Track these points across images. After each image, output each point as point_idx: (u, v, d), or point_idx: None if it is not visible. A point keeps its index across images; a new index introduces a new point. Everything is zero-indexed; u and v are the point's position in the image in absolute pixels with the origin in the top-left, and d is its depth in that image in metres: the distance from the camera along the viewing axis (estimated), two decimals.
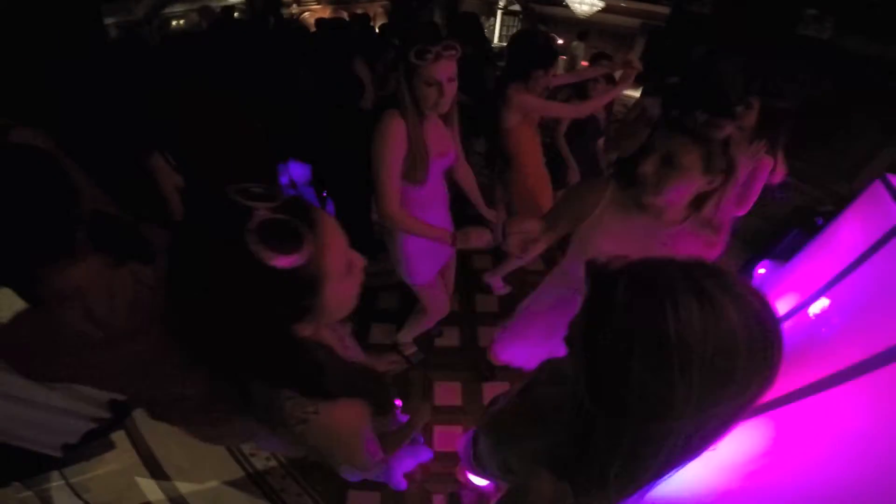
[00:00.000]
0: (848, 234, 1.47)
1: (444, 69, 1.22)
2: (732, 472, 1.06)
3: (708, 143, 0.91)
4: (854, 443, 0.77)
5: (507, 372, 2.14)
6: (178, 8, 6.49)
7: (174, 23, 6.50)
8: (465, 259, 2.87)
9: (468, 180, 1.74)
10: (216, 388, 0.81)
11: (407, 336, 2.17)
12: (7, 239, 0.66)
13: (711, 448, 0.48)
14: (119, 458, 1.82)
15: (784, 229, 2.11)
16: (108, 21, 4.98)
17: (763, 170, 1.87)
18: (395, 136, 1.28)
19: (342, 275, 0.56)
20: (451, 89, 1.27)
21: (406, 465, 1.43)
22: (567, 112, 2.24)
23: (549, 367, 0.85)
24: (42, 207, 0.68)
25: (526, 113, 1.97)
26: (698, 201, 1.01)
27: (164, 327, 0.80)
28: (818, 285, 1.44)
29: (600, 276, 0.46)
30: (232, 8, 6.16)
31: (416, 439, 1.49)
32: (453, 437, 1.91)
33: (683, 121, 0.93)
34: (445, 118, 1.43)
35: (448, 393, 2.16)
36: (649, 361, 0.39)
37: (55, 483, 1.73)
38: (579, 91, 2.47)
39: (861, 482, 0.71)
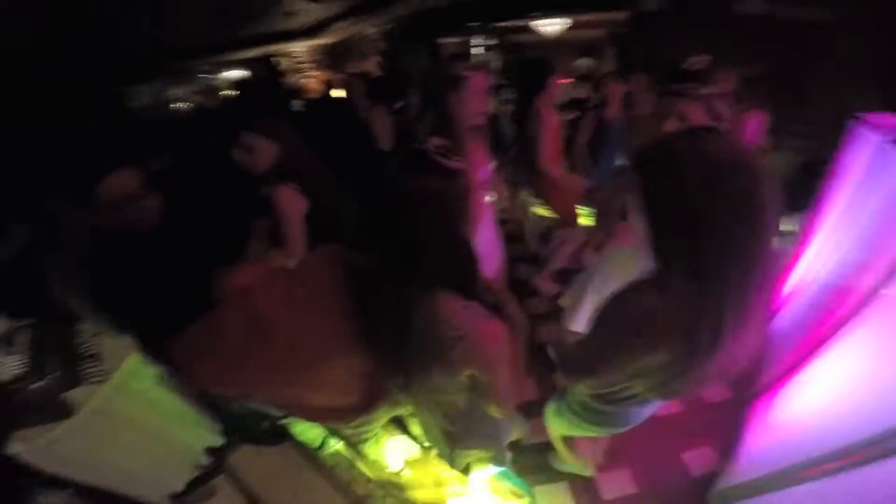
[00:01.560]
0: (844, 173, 1.64)
1: (483, 79, 1.46)
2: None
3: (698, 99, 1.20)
4: None
5: None
6: (179, 91, 6.95)
7: (179, 105, 6.95)
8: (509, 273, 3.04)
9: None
10: (379, 345, 0.93)
11: None
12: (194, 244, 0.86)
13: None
14: (223, 502, 1.84)
15: (797, 184, 2.33)
16: None
17: (756, 122, 2.20)
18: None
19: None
20: (488, 101, 1.51)
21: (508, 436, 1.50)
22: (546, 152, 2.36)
23: None
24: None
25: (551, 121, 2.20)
26: None
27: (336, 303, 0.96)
28: (836, 225, 1.62)
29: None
30: (243, 81, 6.59)
31: (520, 416, 1.58)
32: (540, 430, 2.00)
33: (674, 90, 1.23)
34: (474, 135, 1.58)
35: (525, 388, 2.23)
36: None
37: None
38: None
39: None
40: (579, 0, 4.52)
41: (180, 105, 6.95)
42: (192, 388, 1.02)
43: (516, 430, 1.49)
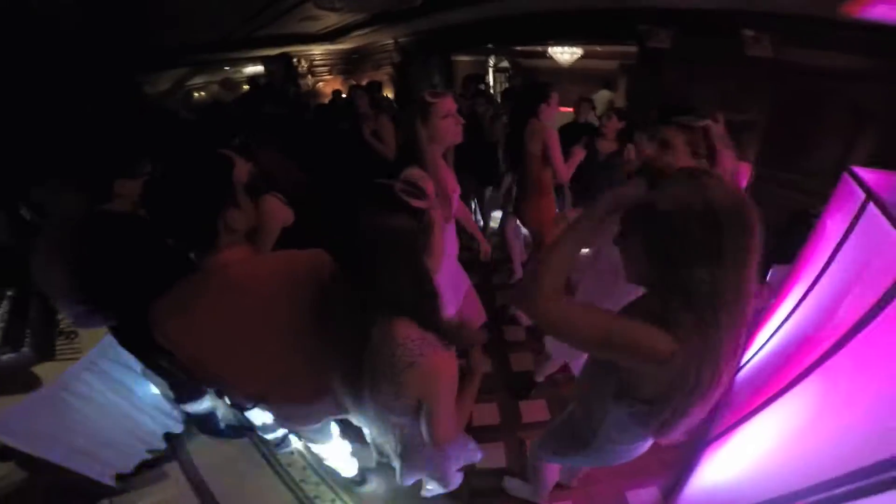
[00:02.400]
0: (829, 226, 1.67)
1: (452, 103, 1.50)
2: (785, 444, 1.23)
3: (691, 131, 1.24)
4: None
5: (542, 389, 2.31)
6: (199, 80, 7.13)
7: (196, 94, 7.14)
8: (489, 298, 3.10)
9: (464, 213, 2.01)
10: (336, 350, 0.98)
11: None
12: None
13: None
14: (170, 487, 1.89)
15: (786, 234, 2.36)
16: None
17: (741, 174, 2.18)
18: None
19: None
20: (461, 121, 1.54)
21: (458, 461, 1.54)
22: (558, 160, 2.39)
23: None
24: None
25: (543, 142, 2.28)
26: None
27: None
28: (812, 277, 1.63)
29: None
30: (254, 79, 6.78)
31: (467, 438, 1.61)
32: (496, 455, 2.04)
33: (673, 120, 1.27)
34: (447, 158, 1.68)
35: (487, 413, 2.27)
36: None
37: None
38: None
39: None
40: (594, 31, 4.59)
41: (197, 93, 7.15)
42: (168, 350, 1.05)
43: (466, 456, 1.52)
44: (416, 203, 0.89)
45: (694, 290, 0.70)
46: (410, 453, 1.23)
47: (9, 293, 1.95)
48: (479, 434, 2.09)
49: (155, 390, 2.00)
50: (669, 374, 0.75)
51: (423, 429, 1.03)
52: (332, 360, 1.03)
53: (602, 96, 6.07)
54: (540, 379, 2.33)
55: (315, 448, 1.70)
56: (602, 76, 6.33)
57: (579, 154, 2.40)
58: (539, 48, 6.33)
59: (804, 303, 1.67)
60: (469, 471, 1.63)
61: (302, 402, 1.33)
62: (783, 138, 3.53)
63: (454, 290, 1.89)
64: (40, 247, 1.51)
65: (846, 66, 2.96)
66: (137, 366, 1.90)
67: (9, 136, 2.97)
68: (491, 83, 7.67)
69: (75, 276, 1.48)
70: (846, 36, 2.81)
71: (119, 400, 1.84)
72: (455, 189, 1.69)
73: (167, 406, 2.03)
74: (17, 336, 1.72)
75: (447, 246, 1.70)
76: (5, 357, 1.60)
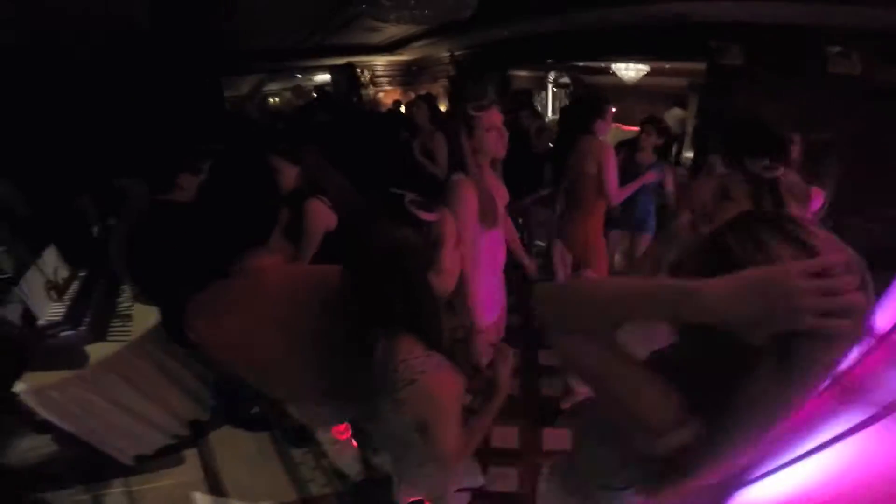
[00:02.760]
0: None
1: (496, 116, 1.48)
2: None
3: (757, 181, 1.10)
4: None
5: (567, 417, 2.20)
6: (274, 87, 7.72)
7: (271, 100, 7.74)
8: (528, 318, 3.04)
9: (509, 228, 1.93)
10: (342, 359, 0.98)
11: None
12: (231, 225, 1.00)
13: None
14: (184, 473, 1.99)
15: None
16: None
17: (815, 201, 1.92)
18: (466, 194, 1.49)
19: (453, 246, 0.90)
20: (506, 134, 1.52)
21: (459, 484, 1.49)
22: (612, 183, 2.25)
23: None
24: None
25: (598, 161, 2.15)
26: None
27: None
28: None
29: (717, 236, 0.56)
30: (321, 87, 7.21)
31: (474, 465, 1.55)
32: (508, 479, 1.95)
33: (745, 165, 1.12)
34: (493, 165, 1.65)
35: (505, 437, 2.20)
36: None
37: (115, 490, 1.89)
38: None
39: None
40: (660, 47, 4.35)
41: (272, 99, 7.74)
42: (197, 345, 1.13)
43: (468, 479, 1.46)
44: (424, 216, 0.86)
45: None
46: (409, 470, 1.21)
47: (80, 274, 2.20)
48: (495, 457, 2.07)
49: (191, 377, 2.14)
50: None
51: (424, 448, 1.00)
52: (338, 377, 1.04)
53: (673, 115, 5.72)
54: (566, 406, 2.23)
55: (328, 448, 1.73)
56: (670, 94, 5.97)
57: (646, 179, 2.27)
58: (602, 64, 6.10)
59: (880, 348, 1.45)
60: (476, 493, 1.55)
61: (318, 403, 1.36)
62: (869, 165, 3.08)
63: (495, 303, 1.84)
64: (120, 230, 1.66)
65: None
66: (180, 351, 2.04)
67: (95, 129, 3.37)
68: (550, 100, 7.52)
69: (140, 258, 1.62)
70: None
71: (155, 381, 1.99)
72: (503, 197, 1.67)
73: (201, 392, 2.16)
74: (79, 315, 1.91)
75: (497, 253, 1.68)
76: (63, 334, 1.78)
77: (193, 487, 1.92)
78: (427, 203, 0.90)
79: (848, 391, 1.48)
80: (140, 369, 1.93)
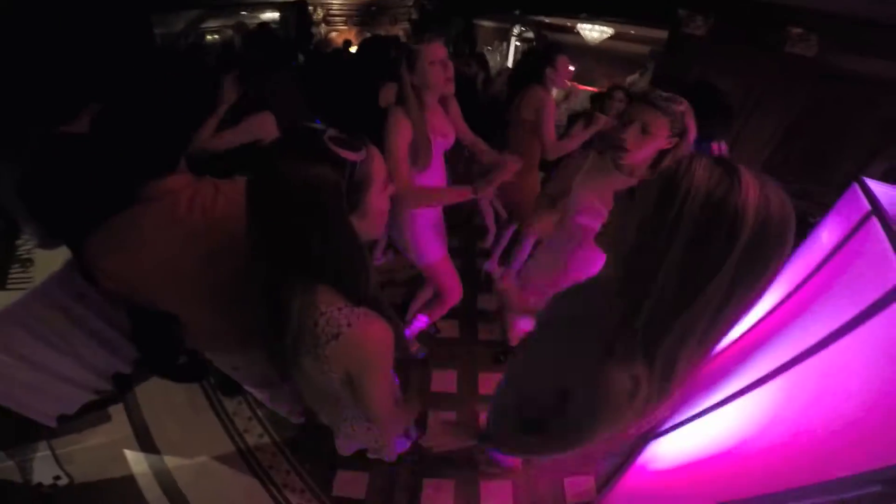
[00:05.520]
0: (823, 235, 1.56)
1: (439, 49, 1.43)
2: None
3: (672, 114, 1.19)
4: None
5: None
6: (213, 23, 6.91)
7: (209, 37, 6.91)
8: (469, 262, 3.03)
9: (471, 138, 1.82)
10: (259, 314, 0.85)
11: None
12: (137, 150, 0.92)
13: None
14: (112, 431, 1.87)
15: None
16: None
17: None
18: (400, 127, 1.44)
19: (381, 188, 0.78)
20: (451, 69, 1.47)
21: (400, 444, 1.49)
22: (548, 135, 2.22)
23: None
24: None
25: (537, 110, 2.11)
26: (658, 159, 1.29)
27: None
28: (795, 282, 1.54)
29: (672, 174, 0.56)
30: (266, 24, 6.53)
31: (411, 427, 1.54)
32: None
33: (652, 98, 1.21)
34: (444, 103, 1.61)
35: (444, 381, 2.22)
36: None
37: (40, 453, 1.76)
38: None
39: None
40: (629, 9, 4.30)
41: (210, 37, 6.93)
42: (100, 284, 1.00)
43: (408, 426, 1.47)
44: (345, 154, 0.73)
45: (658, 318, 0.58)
46: (345, 425, 1.16)
47: None
48: (434, 401, 2.10)
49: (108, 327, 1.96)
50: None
51: (356, 404, 0.94)
52: (257, 329, 0.93)
53: (635, 81, 5.68)
54: (515, 344, 2.27)
55: (261, 396, 1.66)
56: (631, 60, 5.95)
57: (587, 133, 2.22)
58: (567, 23, 5.97)
59: (780, 307, 1.59)
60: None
61: (240, 352, 1.28)
62: (802, 144, 3.38)
63: (438, 236, 1.83)
64: (7, 167, 1.46)
65: (888, 75, 2.82)
66: (91, 298, 1.86)
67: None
68: (511, 52, 7.33)
69: (35, 195, 1.44)
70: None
71: (68, 335, 1.79)
72: (447, 136, 1.61)
73: (119, 344, 1.99)
74: None
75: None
76: None
77: (124, 445, 1.81)
78: (350, 140, 0.74)
79: (747, 350, 1.63)
80: (48, 320, 1.71)
